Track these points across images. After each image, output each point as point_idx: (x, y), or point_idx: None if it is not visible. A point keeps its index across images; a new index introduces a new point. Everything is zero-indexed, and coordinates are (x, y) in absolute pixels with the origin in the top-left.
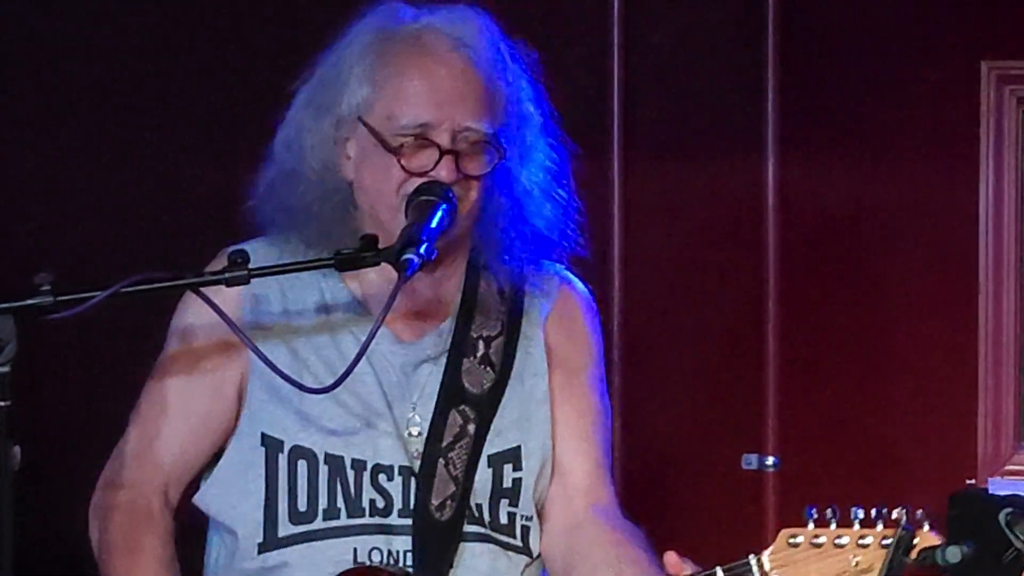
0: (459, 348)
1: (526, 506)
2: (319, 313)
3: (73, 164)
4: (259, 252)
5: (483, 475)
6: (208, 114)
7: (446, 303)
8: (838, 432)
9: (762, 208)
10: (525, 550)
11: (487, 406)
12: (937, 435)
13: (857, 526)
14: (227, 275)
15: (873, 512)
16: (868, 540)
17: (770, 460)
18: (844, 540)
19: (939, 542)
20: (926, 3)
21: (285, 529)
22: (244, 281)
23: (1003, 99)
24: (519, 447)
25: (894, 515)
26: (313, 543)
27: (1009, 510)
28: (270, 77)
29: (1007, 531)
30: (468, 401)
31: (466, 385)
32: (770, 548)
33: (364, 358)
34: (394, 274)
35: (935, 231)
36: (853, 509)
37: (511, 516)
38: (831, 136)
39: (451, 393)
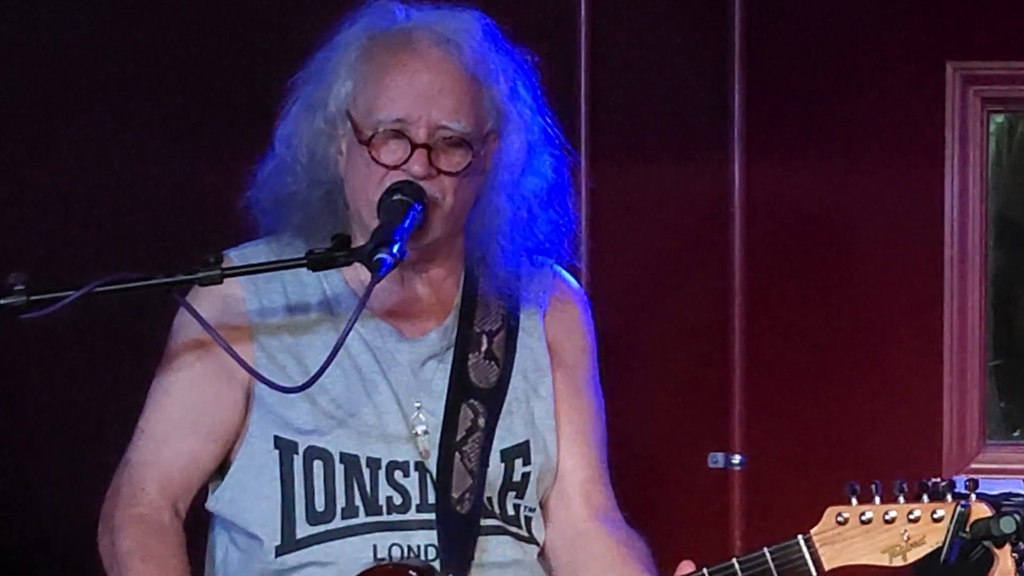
0: (464, 343)
1: (530, 499)
2: (322, 310)
3: (48, 164)
4: (258, 252)
5: (496, 469)
6: (188, 115)
7: (446, 302)
8: (804, 431)
9: (728, 208)
10: (532, 539)
11: (494, 400)
12: (903, 434)
13: (902, 500)
14: (200, 275)
15: (917, 485)
16: (917, 514)
17: (736, 459)
18: (893, 515)
19: (991, 513)
20: (892, 4)
21: (303, 530)
22: (216, 281)
23: (968, 99)
24: (527, 442)
25: (940, 487)
26: (332, 543)
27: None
28: (258, 78)
29: None
30: (477, 395)
31: (473, 379)
32: (817, 526)
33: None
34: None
35: (901, 231)
36: (897, 483)
37: (516, 508)
38: (797, 136)
39: (460, 387)
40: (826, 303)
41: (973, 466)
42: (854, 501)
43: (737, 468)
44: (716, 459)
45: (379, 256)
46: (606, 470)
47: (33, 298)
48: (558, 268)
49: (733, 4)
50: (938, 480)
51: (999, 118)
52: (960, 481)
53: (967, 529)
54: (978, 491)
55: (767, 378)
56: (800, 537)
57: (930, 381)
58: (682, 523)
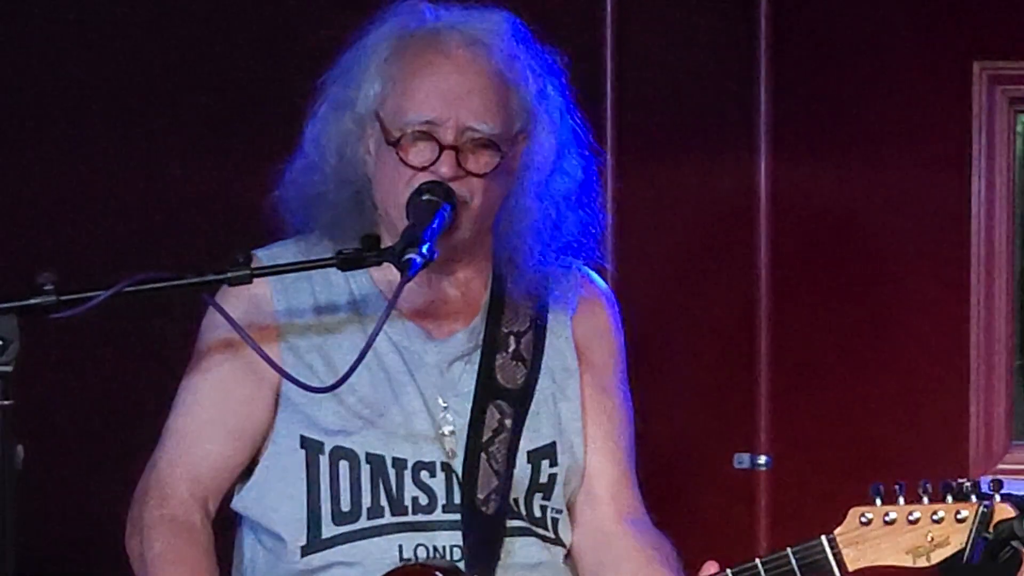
0: (491, 344)
1: (557, 500)
2: (349, 310)
3: (75, 164)
4: (286, 252)
5: (522, 470)
6: (215, 115)
7: (474, 302)
8: (830, 431)
9: (754, 208)
10: (558, 541)
11: (521, 401)
12: (929, 434)
13: (926, 500)
14: (229, 275)
15: (941, 485)
16: (941, 515)
17: (762, 459)
18: (917, 515)
19: (1014, 514)
20: (918, 3)
21: (329, 530)
22: (246, 281)
23: (995, 99)
24: (554, 443)
25: (964, 488)
26: (358, 543)
27: None
28: (286, 78)
29: None
30: (504, 396)
31: (500, 380)
32: (840, 527)
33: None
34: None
35: (927, 230)
36: (922, 483)
37: (543, 509)
38: (823, 136)
39: (487, 388)
40: (852, 303)
41: (1000, 467)
42: (878, 502)
43: (763, 468)
44: (742, 459)
45: (409, 256)
46: (634, 472)
47: (63, 298)
48: (586, 269)
49: (759, 3)
50: (963, 481)
51: None
52: (985, 481)
53: (990, 529)
54: (1003, 492)
55: (793, 378)
56: (823, 538)
57: (956, 381)
58: (708, 523)
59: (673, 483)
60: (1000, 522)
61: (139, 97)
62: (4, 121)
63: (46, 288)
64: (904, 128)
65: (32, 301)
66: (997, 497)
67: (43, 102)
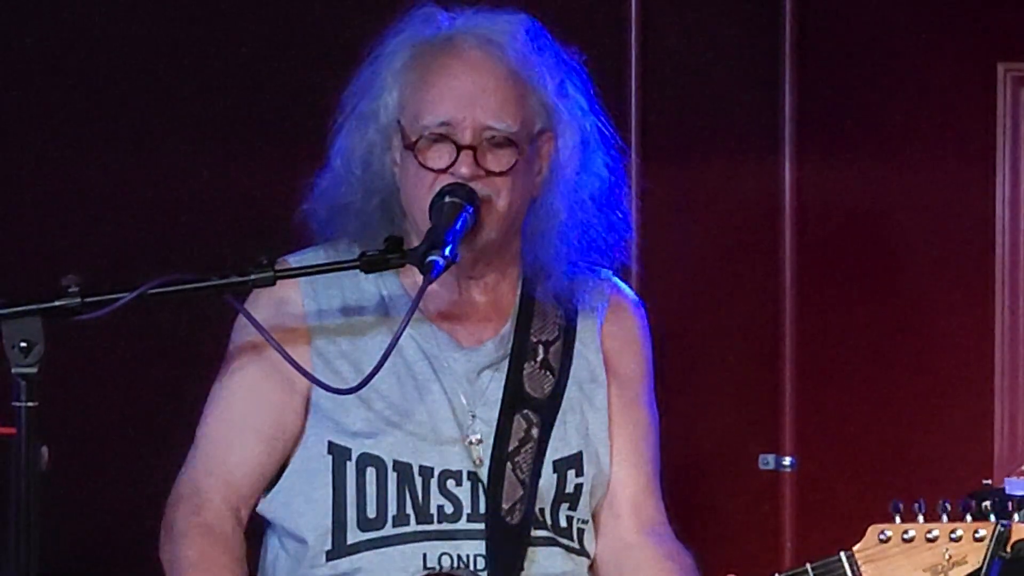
0: (520, 353)
1: (583, 511)
2: (379, 313)
3: (101, 167)
4: (316, 257)
5: (548, 480)
6: (232, 117)
7: (503, 309)
8: (855, 432)
9: (779, 209)
10: (583, 552)
11: (549, 410)
12: (954, 434)
13: (945, 519)
14: (253, 276)
15: (961, 504)
16: (960, 533)
17: (787, 460)
18: (935, 534)
19: None
20: (942, 5)
21: (354, 536)
22: (270, 283)
23: (1019, 100)
24: (580, 453)
25: (983, 507)
26: (383, 550)
27: None
28: (313, 83)
29: None
30: (531, 405)
31: (528, 389)
32: (859, 543)
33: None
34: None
35: (952, 232)
36: (941, 502)
37: (569, 520)
38: (847, 138)
39: (514, 397)
40: (877, 304)
41: None
42: (897, 519)
43: (788, 470)
44: (767, 460)
45: (431, 258)
46: (658, 484)
47: (87, 300)
48: (615, 279)
49: (784, 5)
50: (986, 499)
51: None
52: (1011, 503)
53: (1007, 549)
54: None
55: (818, 379)
56: (843, 553)
57: (982, 383)
58: (733, 524)
59: (699, 484)
60: (1018, 542)
61: (166, 100)
62: (29, 124)
63: (70, 290)
64: (928, 129)
65: (56, 303)
66: (1016, 517)
67: (69, 106)
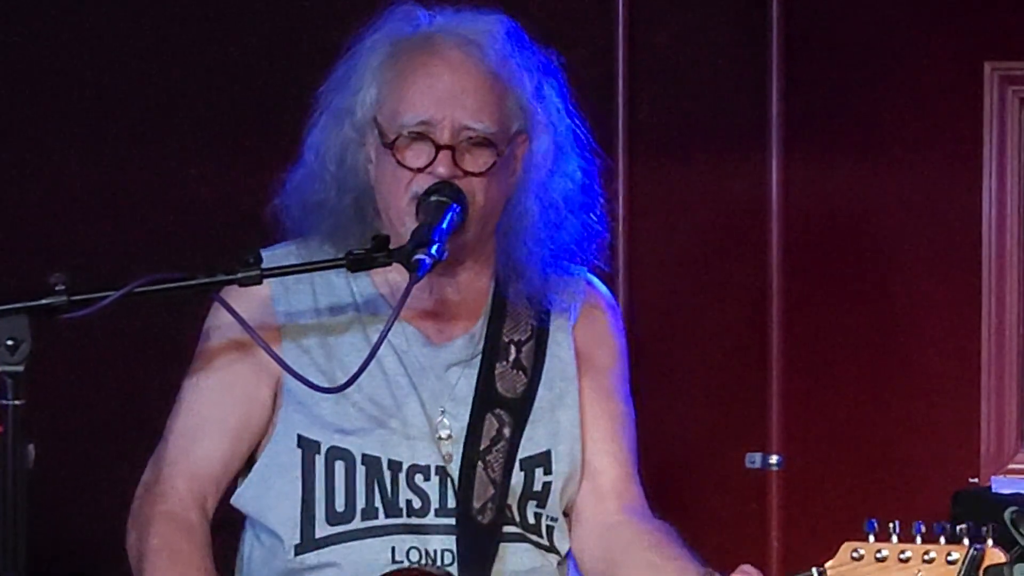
0: (492, 352)
1: (552, 508)
2: (350, 312)
3: (87, 165)
4: (283, 255)
5: (516, 478)
6: (217, 116)
7: (475, 307)
8: (842, 431)
9: (766, 208)
10: (553, 549)
11: (521, 410)
12: (941, 434)
13: (919, 540)
14: (240, 275)
15: (935, 527)
16: (933, 555)
17: (774, 459)
18: (908, 555)
19: (1005, 559)
20: (929, 4)
21: (323, 530)
22: (256, 281)
23: (1006, 100)
24: (549, 451)
25: (958, 530)
26: (351, 543)
27: (1014, 508)
28: (296, 80)
29: (1012, 529)
30: (503, 405)
31: (500, 389)
32: (832, 560)
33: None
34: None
35: (938, 231)
36: (915, 524)
37: (537, 516)
38: (835, 137)
39: (486, 397)
40: (863, 303)
41: (1011, 467)
42: (871, 538)
43: (775, 468)
44: (754, 459)
45: (418, 257)
46: (636, 473)
47: (74, 298)
48: (588, 275)
49: (771, 4)
50: (961, 524)
51: None
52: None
53: (979, 573)
54: (997, 536)
55: (805, 378)
56: (815, 570)
57: (968, 382)
58: (719, 523)
59: (685, 482)
60: (990, 567)
61: (152, 99)
62: (17, 122)
63: (57, 288)
64: (915, 128)
65: (43, 301)
66: (989, 542)
67: (56, 103)
